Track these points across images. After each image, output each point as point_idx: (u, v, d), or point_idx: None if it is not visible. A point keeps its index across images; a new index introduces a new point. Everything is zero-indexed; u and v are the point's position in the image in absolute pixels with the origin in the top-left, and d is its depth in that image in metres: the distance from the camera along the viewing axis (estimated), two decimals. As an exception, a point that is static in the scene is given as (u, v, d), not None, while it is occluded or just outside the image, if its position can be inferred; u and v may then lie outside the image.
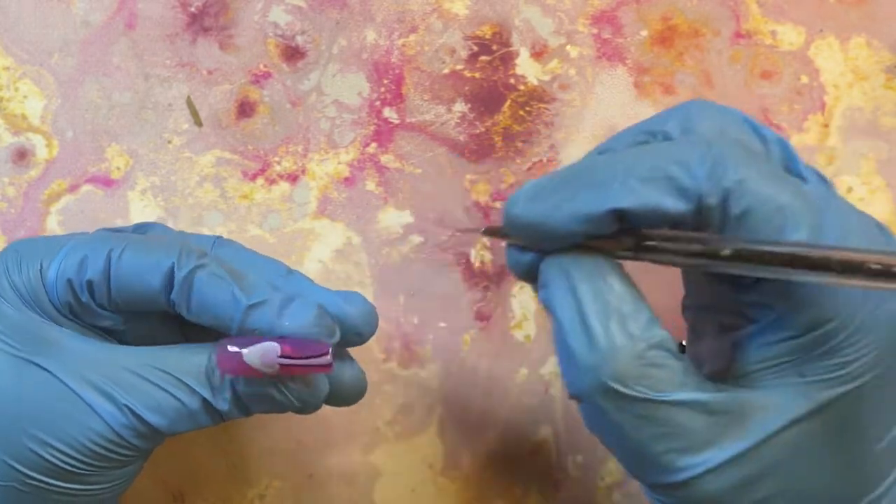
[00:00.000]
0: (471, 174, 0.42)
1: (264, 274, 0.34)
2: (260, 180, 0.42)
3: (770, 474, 0.28)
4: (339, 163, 0.42)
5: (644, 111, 0.42)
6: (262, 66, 0.42)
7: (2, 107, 0.42)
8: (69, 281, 0.32)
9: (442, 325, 0.41)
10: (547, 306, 0.29)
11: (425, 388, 0.41)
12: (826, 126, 0.42)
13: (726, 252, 0.27)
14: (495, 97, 0.42)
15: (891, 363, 0.28)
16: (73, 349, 0.32)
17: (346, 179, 0.42)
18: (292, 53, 0.42)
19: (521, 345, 0.41)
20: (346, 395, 0.35)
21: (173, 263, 0.32)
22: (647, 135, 0.30)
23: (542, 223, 0.28)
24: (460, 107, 0.42)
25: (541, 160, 0.42)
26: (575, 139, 0.42)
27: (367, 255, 0.42)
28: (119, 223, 0.41)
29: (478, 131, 0.42)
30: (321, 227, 0.42)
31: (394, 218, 0.42)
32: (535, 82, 0.42)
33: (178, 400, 0.32)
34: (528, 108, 0.42)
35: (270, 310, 0.32)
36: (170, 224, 0.41)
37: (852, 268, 0.25)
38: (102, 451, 0.32)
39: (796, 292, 0.28)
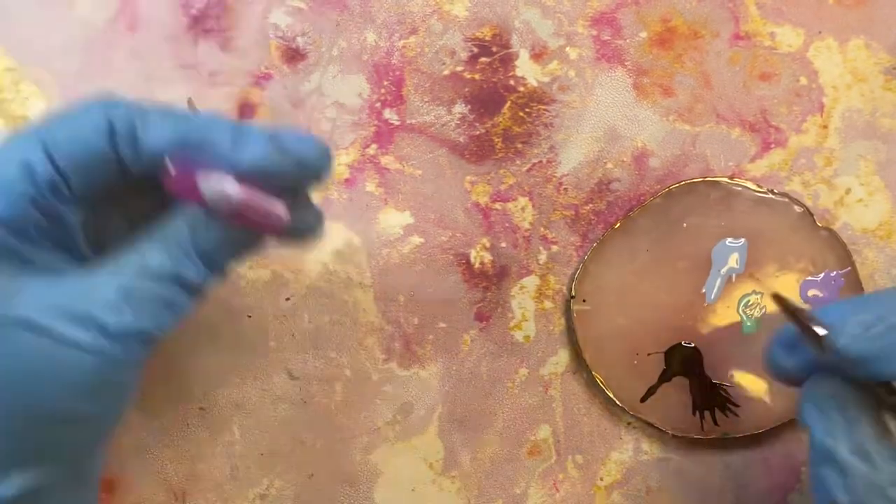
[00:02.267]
0: (471, 175, 0.42)
1: (205, 114, 0.32)
2: (261, 181, 0.42)
3: None
4: (340, 164, 0.42)
5: (643, 113, 0.42)
6: (262, 68, 0.42)
7: (3, 108, 0.42)
8: (23, 194, 0.30)
9: (442, 325, 0.42)
10: (808, 428, 0.30)
11: (425, 388, 0.41)
12: (825, 127, 0.42)
13: None
14: (495, 99, 0.42)
15: None
16: (32, 289, 0.30)
17: (347, 181, 0.42)
18: (293, 55, 0.42)
19: (521, 345, 0.42)
20: (305, 235, 0.33)
21: (109, 119, 0.30)
22: None
23: (874, 362, 0.29)
24: (460, 108, 0.42)
25: (540, 161, 0.42)
26: (574, 140, 0.42)
27: (367, 255, 0.42)
28: (120, 224, 0.41)
29: (478, 133, 0.42)
30: (322, 228, 0.42)
31: (394, 219, 0.42)
32: (535, 84, 0.42)
33: (155, 294, 0.30)
34: (527, 110, 0.42)
35: (223, 142, 0.30)
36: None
37: None
38: (104, 381, 0.30)
39: None
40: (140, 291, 0.30)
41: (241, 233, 0.31)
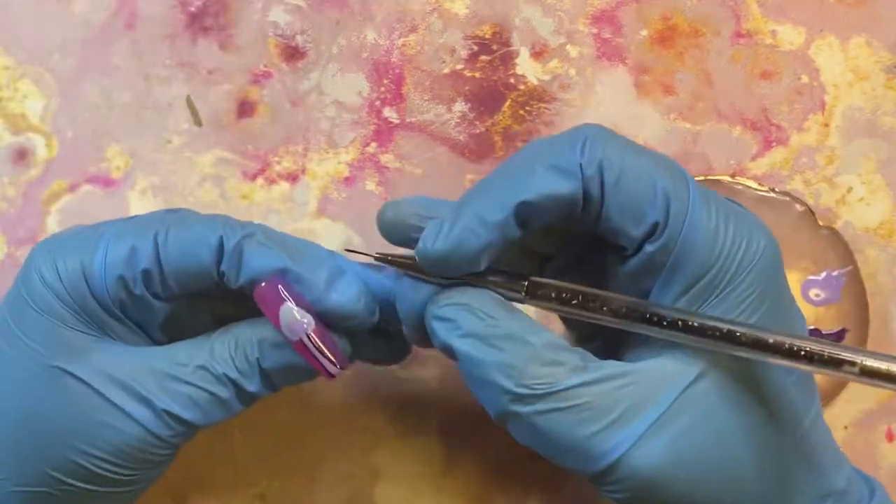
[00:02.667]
0: (471, 174, 0.42)
1: (309, 249, 0.34)
2: (260, 180, 0.42)
3: (694, 430, 0.29)
4: (339, 163, 0.42)
5: (644, 111, 0.42)
6: (262, 66, 0.42)
7: (2, 106, 0.42)
8: (121, 277, 0.32)
9: (442, 324, 0.41)
10: (448, 343, 0.31)
11: (425, 388, 0.41)
12: (826, 126, 0.42)
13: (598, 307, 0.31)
14: (495, 97, 0.42)
15: (773, 299, 0.30)
16: (102, 355, 0.32)
17: (346, 179, 0.42)
18: (292, 53, 0.42)
19: (522, 345, 0.41)
20: (383, 363, 0.37)
21: (221, 235, 0.32)
22: None
23: (457, 248, 0.30)
24: (460, 106, 0.42)
25: (541, 160, 0.42)
26: (575, 139, 0.42)
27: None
28: (119, 223, 0.41)
29: (478, 131, 0.42)
30: (321, 227, 0.42)
31: (394, 218, 0.42)
32: (536, 82, 0.42)
33: (211, 393, 0.32)
34: (528, 108, 0.42)
35: (318, 281, 0.32)
36: (170, 224, 0.41)
37: (724, 336, 0.29)
38: (142, 455, 0.32)
39: (675, 253, 0.30)
40: (198, 385, 0.32)
41: (303, 364, 0.33)
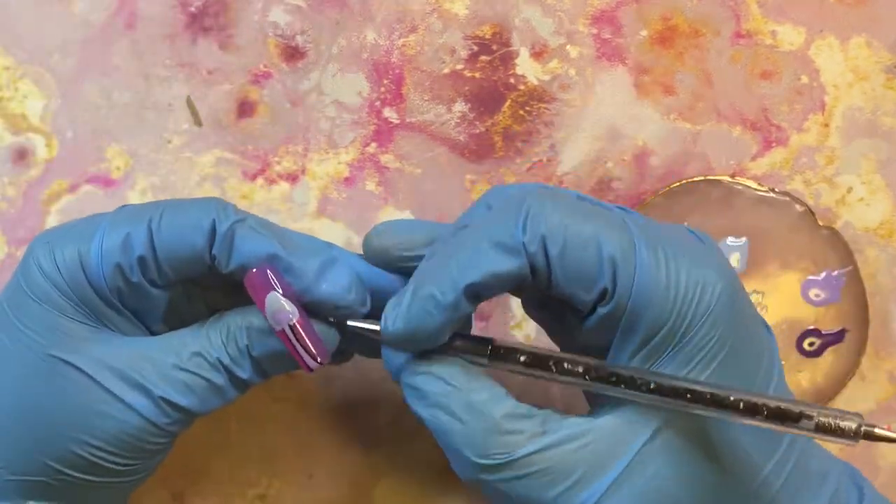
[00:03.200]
0: (471, 174, 0.42)
1: (302, 239, 0.34)
2: (260, 180, 0.42)
3: (657, 481, 0.30)
4: (339, 163, 0.42)
5: (644, 111, 0.42)
6: (262, 66, 0.42)
7: (2, 106, 0.42)
8: (117, 265, 0.32)
9: (442, 325, 0.41)
10: (416, 412, 0.32)
11: (425, 388, 0.41)
12: (826, 126, 0.42)
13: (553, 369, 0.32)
14: (495, 97, 0.42)
15: (734, 340, 0.30)
16: (100, 345, 0.32)
17: (346, 179, 0.42)
18: (292, 53, 0.42)
19: (522, 345, 0.41)
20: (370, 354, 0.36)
21: (213, 219, 0.32)
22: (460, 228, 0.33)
23: (416, 329, 0.31)
24: (460, 107, 0.42)
25: (541, 160, 0.42)
26: (575, 139, 0.42)
27: (367, 254, 0.41)
28: (119, 223, 0.41)
29: (478, 131, 0.42)
30: (321, 227, 0.42)
31: (394, 218, 0.42)
32: (535, 82, 0.42)
33: (207, 379, 0.32)
34: (528, 108, 0.42)
35: (309, 270, 0.32)
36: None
37: (667, 391, 0.30)
38: (140, 443, 0.32)
39: (627, 313, 0.30)
40: (194, 371, 0.32)
41: (286, 351, 0.33)
